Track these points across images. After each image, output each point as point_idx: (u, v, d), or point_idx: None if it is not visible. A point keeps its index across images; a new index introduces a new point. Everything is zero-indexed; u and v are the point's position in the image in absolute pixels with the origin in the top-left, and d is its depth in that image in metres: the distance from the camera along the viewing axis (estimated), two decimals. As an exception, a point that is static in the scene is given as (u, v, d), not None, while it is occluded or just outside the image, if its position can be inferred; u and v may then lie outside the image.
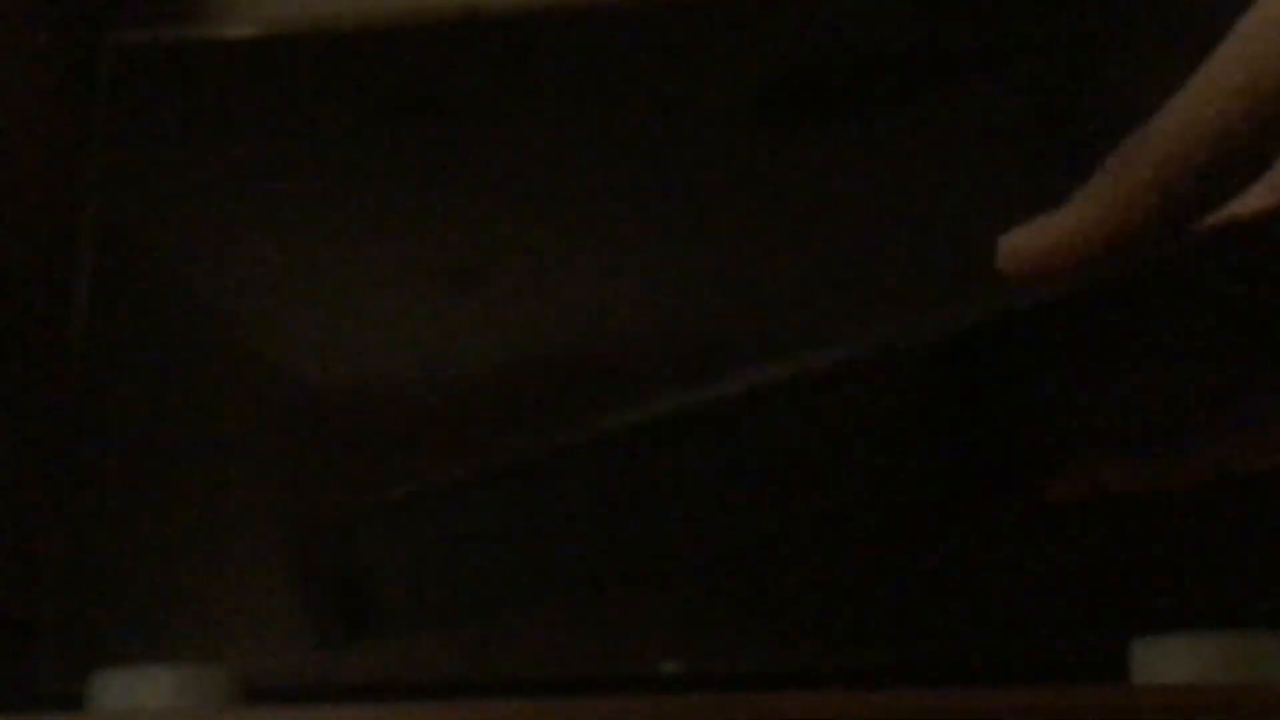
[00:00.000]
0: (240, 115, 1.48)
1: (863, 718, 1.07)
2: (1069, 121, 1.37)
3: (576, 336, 1.39)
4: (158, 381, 1.42)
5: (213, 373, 1.42)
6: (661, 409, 0.53)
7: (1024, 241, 0.57)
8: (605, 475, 0.53)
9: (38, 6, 1.50)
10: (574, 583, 0.53)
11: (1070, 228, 0.55)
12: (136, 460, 1.40)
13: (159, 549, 1.38)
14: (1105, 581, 1.25)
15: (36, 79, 1.49)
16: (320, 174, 1.46)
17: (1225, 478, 0.58)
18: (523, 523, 0.53)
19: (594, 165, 1.42)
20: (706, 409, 0.52)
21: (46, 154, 1.49)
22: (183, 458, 1.40)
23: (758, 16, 1.44)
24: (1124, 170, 0.53)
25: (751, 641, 1.29)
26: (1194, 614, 1.22)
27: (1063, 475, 0.59)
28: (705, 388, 0.53)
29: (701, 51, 1.44)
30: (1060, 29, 1.39)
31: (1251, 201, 0.54)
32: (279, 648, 1.34)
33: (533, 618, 1.32)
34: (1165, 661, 1.10)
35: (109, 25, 1.54)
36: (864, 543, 1.29)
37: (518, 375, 1.38)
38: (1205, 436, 0.58)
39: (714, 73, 1.43)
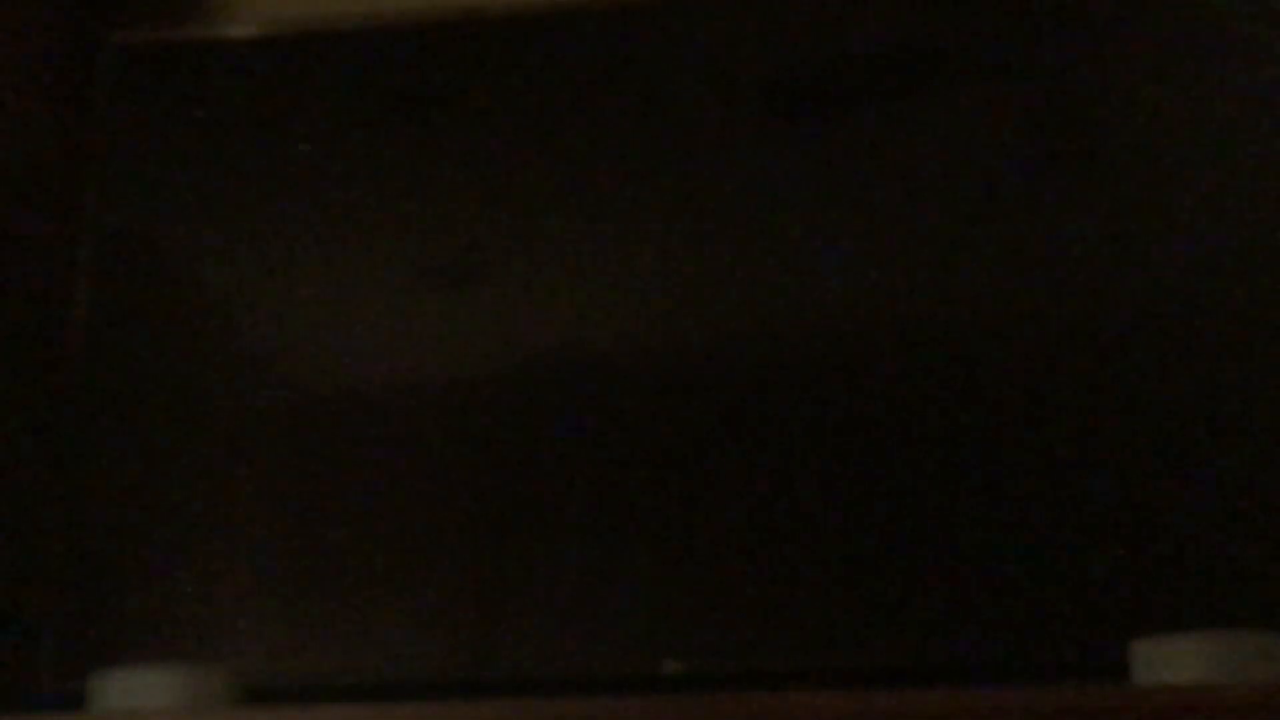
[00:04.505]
0: (240, 115, 1.48)
1: (863, 718, 1.07)
2: (1068, 121, 1.37)
3: (575, 337, 1.39)
4: (157, 381, 1.42)
5: (212, 373, 1.42)
6: None
7: None
8: None
9: (38, 6, 1.50)
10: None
11: None
12: (137, 460, 1.40)
13: (159, 549, 1.38)
14: (1105, 581, 1.25)
15: (36, 79, 1.49)
16: (320, 173, 1.46)
17: None
18: None
19: (593, 166, 1.42)
20: None
21: (46, 154, 1.49)
22: (182, 458, 1.40)
23: (757, 17, 1.44)
24: None
25: (751, 641, 1.29)
26: (1194, 614, 1.22)
27: None
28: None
29: (701, 52, 1.44)
30: (1060, 31, 1.39)
31: None
32: (279, 648, 1.34)
33: (533, 618, 1.32)
34: (1165, 661, 1.10)
35: (109, 25, 1.54)
36: (864, 543, 1.29)
37: (515, 375, 1.38)
38: None
39: (713, 73, 1.43)
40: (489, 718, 1.09)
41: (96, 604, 1.37)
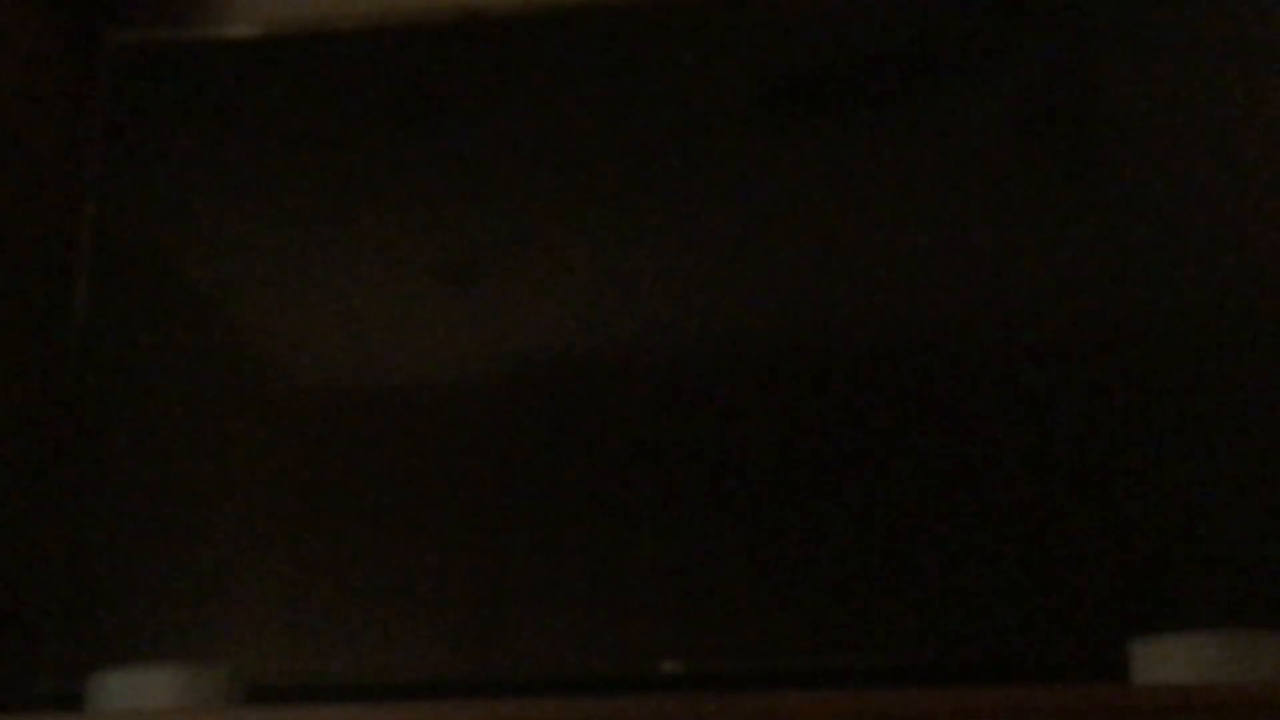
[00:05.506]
0: (239, 115, 1.48)
1: (863, 718, 1.07)
2: (1066, 121, 1.37)
3: (575, 337, 1.39)
4: (157, 381, 1.42)
5: (212, 372, 1.42)
6: None
7: None
8: None
9: (37, 6, 1.50)
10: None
11: None
12: (136, 460, 1.40)
13: (159, 549, 1.38)
14: (1105, 581, 1.25)
15: (36, 79, 1.50)
16: (319, 173, 1.46)
17: None
18: None
19: (593, 166, 1.43)
20: None
21: (46, 154, 1.49)
22: (182, 458, 1.40)
23: (756, 17, 1.44)
24: None
25: (751, 641, 1.29)
26: (1194, 614, 1.23)
27: None
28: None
29: (699, 53, 1.44)
30: (1058, 30, 1.39)
31: None
32: (279, 648, 1.34)
33: (533, 618, 1.32)
34: (1165, 661, 1.10)
35: (109, 25, 1.54)
36: (864, 544, 1.29)
37: (516, 375, 1.38)
38: None
39: (712, 74, 1.43)
40: (489, 718, 1.09)
41: (96, 604, 1.38)
